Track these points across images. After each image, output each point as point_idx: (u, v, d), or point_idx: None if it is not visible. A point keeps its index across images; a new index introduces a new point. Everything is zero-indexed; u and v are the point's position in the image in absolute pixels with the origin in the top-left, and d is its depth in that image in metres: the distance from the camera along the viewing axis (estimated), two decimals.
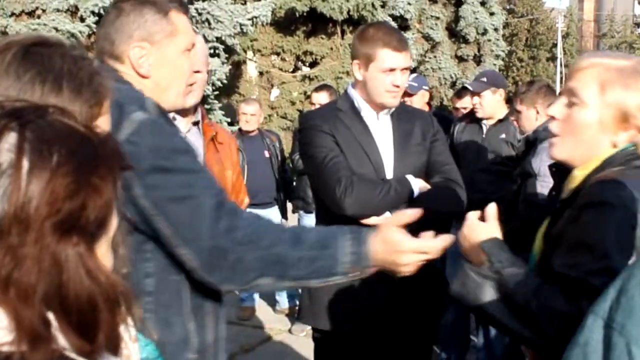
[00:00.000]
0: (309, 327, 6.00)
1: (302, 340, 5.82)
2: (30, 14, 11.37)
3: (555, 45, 39.81)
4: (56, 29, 10.40)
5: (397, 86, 2.87)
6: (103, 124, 1.34)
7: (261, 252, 1.72)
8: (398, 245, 1.74)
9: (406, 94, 4.59)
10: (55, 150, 0.88)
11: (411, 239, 1.74)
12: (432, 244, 1.77)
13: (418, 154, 2.97)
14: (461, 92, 5.93)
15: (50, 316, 0.89)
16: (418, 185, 2.83)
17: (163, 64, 1.87)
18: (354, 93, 3.00)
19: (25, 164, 0.86)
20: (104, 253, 0.96)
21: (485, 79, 4.91)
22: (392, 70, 2.85)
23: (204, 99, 12.44)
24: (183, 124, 2.52)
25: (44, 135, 0.89)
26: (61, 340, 0.90)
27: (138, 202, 1.65)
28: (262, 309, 6.67)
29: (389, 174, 2.91)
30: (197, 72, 2.00)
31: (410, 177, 2.85)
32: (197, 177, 1.74)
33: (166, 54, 1.87)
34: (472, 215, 1.88)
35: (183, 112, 2.56)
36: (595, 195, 1.66)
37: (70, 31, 10.67)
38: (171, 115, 2.38)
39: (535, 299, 1.64)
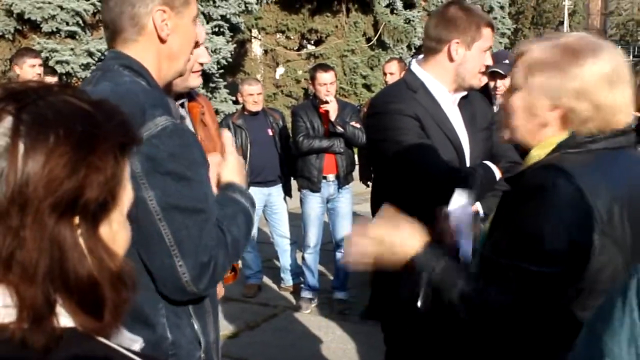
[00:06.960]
0: (314, 305, 6.08)
1: (306, 317, 5.86)
2: None
3: (562, 23, 39.40)
4: (61, 7, 10.34)
5: (488, 67, 2.77)
6: None
7: (225, 249, 1.75)
8: None
9: (501, 75, 4.49)
10: (52, 131, 0.87)
11: None
12: None
13: (486, 139, 2.83)
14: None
15: (57, 295, 0.89)
16: (498, 172, 2.71)
17: (178, 31, 1.87)
18: (423, 72, 2.78)
19: (21, 146, 0.86)
20: (110, 231, 0.95)
21: (508, 61, 4.64)
22: (488, 49, 2.75)
23: (209, 77, 12.36)
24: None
25: (42, 117, 0.88)
26: (65, 319, 0.90)
27: (147, 204, 1.63)
28: (266, 287, 6.70)
29: (467, 160, 2.76)
30: (197, 45, 1.94)
31: (490, 164, 2.73)
32: (209, 191, 1.75)
33: (182, 21, 1.87)
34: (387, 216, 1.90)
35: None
36: (532, 181, 1.68)
37: (75, 9, 10.61)
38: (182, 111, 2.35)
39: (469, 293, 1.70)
